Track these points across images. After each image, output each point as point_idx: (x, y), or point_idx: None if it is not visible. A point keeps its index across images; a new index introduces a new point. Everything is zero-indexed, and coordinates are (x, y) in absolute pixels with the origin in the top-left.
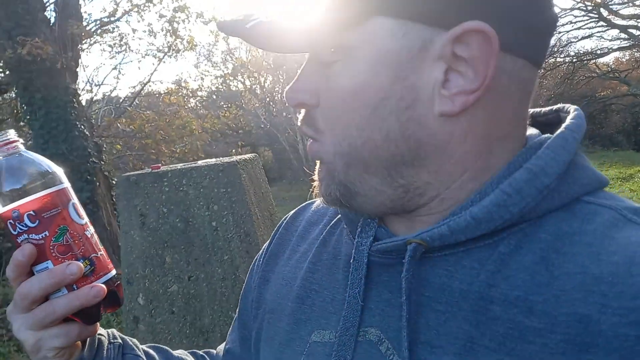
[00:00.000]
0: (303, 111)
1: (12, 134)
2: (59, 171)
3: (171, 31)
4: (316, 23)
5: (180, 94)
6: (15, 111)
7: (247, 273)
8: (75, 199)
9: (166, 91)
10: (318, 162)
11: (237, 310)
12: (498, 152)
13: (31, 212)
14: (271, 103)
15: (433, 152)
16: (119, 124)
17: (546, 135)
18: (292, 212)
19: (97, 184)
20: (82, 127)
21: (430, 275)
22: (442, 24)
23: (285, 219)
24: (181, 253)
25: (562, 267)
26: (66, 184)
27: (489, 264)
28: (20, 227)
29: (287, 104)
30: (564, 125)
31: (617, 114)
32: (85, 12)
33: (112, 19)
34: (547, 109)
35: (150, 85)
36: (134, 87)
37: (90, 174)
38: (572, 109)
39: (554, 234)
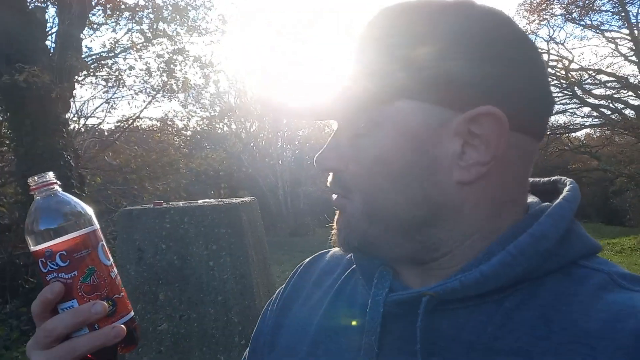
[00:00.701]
0: (328, 174)
1: (50, 175)
2: (91, 212)
3: (167, 72)
4: (350, 100)
5: (165, 131)
6: None
7: (259, 317)
8: (103, 241)
9: (151, 128)
10: (338, 212)
11: (247, 351)
12: (505, 216)
13: (63, 252)
14: (255, 148)
15: (450, 214)
16: (106, 157)
17: (546, 203)
18: (307, 260)
19: None
20: (68, 157)
21: (442, 326)
22: (459, 107)
23: (300, 267)
24: (175, 291)
25: (558, 323)
26: (97, 225)
27: (496, 318)
28: (51, 265)
29: (317, 169)
30: (561, 197)
31: (588, 187)
32: (86, 45)
33: (111, 54)
34: (546, 179)
35: (138, 121)
36: (122, 121)
37: None
38: (568, 181)
39: (553, 294)
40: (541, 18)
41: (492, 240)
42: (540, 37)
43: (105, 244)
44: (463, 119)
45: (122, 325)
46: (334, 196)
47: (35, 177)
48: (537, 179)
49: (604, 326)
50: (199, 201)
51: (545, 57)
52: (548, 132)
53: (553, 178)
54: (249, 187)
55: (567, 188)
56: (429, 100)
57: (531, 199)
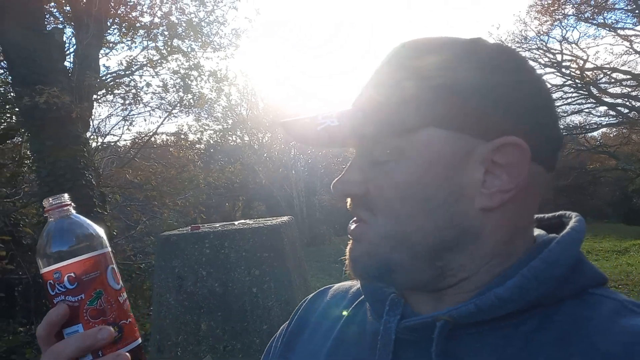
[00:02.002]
0: (350, 198)
1: (65, 197)
2: (103, 235)
3: (184, 87)
4: (375, 125)
5: (179, 145)
6: (17, 157)
7: (263, 354)
8: (114, 264)
9: (166, 143)
10: (352, 242)
11: None
12: (519, 243)
13: (72, 274)
14: (268, 158)
15: (470, 240)
16: (127, 175)
17: (552, 235)
18: (311, 295)
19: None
20: (89, 176)
21: (457, 351)
22: (484, 136)
23: (304, 302)
24: (217, 320)
25: (577, 345)
26: (108, 248)
27: (515, 341)
28: (59, 288)
29: (334, 193)
30: (569, 227)
31: (606, 187)
32: (103, 64)
33: (128, 72)
34: (551, 215)
35: (155, 137)
36: (139, 138)
37: None
38: (573, 214)
39: (569, 318)
40: (553, 19)
41: (506, 266)
42: (552, 38)
43: (115, 267)
44: (488, 148)
45: (127, 354)
46: (352, 226)
47: (50, 199)
48: (542, 215)
49: (625, 349)
50: (236, 223)
51: (558, 57)
52: (564, 133)
53: (558, 213)
54: (264, 199)
55: (573, 220)
56: (456, 128)
57: (538, 231)
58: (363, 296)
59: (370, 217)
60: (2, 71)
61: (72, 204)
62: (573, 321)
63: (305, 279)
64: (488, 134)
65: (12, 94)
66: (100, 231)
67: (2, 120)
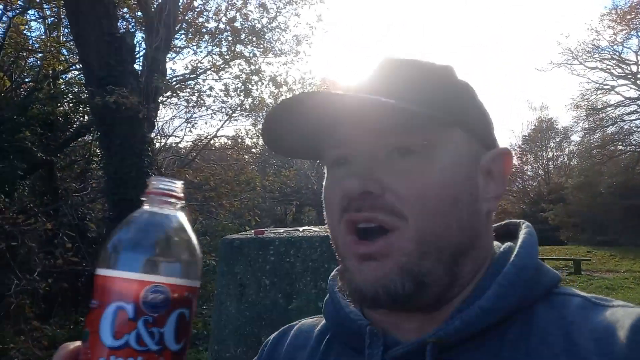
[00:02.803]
0: (365, 202)
1: (178, 186)
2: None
3: (245, 91)
4: (411, 116)
5: (236, 148)
6: (87, 154)
7: None
8: (194, 306)
9: (224, 146)
10: (369, 262)
11: None
12: (491, 252)
13: (161, 296)
14: (320, 165)
15: (476, 242)
16: (187, 175)
17: (508, 243)
18: (272, 336)
19: None
20: (153, 174)
21: None
22: (487, 146)
23: (266, 344)
24: None
25: (559, 345)
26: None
27: (504, 350)
28: (136, 307)
29: (349, 191)
30: (524, 232)
31: None
32: (170, 67)
33: (192, 75)
34: (497, 224)
35: (214, 140)
36: (199, 140)
37: None
38: (519, 221)
39: (546, 320)
40: (630, 27)
41: (483, 273)
42: (627, 48)
43: (190, 314)
44: (489, 156)
45: None
46: (373, 241)
47: (158, 180)
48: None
49: (599, 344)
50: (300, 229)
51: (634, 68)
52: (637, 149)
53: (504, 222)
54: (316, 204)
55: (524, 226)
56: (473, 134)
57: (494, 242)
58: (329, 334)
59: (399, 221)
60: (77, 72)
61: (184, 197)
62: (550, 322)
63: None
64: (489, 144)
65: (85, 94)
66: (200, 253)
67: (75, 119)
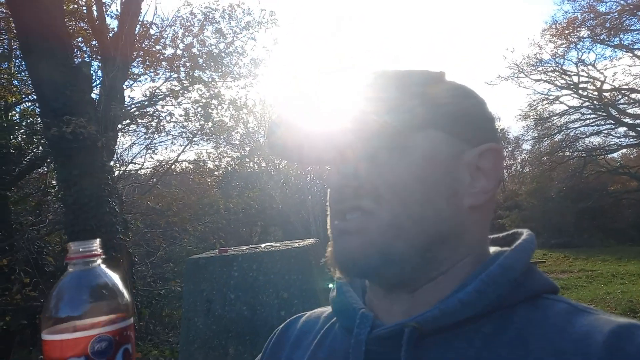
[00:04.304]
0: (346, 188)
1: (94, 245)
2: (129, 299)
3: (205, 116)
4: (385, 123)
5: (197, 172)
6: (42, 186)
7: None
8: (132, 342)
9: (185, 170)
10: (341, 237)
11: None
12: (485, 247)
13: (81, 353)
14: (284, 184)
15: (457, 234)
16: (149, 202)
17: (505, 248)
18: (282, 325)
19: (121, 261)
20: (113, 203)
21: (425, 357)
22: (472, 143)
23: (276, 332)
24: (246, 344)
25: (534, 343)
26: (131, 319)
27: (476, 342)
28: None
29: (331, 178)
30: (521, 239)
31: (629, 209)
32: (128, 95)
33: (151, 102)
34: (505, 233)
35: (175, 165)
36: (160, 165)
37: (115, 250)
38: (525, 231)
39: (525, 319)
40: (568, 41)
41: (474, 268)
42: (568, 60)
43: (132, 347)
44: (475, 152)
45: None
46: (352, 216)
47: (77, 244)
48: (497, 234)
49: (577, 345)
50: (262, 245)
51: (575, 79)
52: (583, 155)
53: (512, 231)
54: (281, 224)
55: (525, 234)
56: (452, 133)
57: (494, 248)
58: (334, 319)
59: (375, 206)
60: (30, 104)
61: (102, 253)
62: (529, 321)
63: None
64: (475, 140)
65: (39, 125)
66: (127, 294)
67: (29, 151)
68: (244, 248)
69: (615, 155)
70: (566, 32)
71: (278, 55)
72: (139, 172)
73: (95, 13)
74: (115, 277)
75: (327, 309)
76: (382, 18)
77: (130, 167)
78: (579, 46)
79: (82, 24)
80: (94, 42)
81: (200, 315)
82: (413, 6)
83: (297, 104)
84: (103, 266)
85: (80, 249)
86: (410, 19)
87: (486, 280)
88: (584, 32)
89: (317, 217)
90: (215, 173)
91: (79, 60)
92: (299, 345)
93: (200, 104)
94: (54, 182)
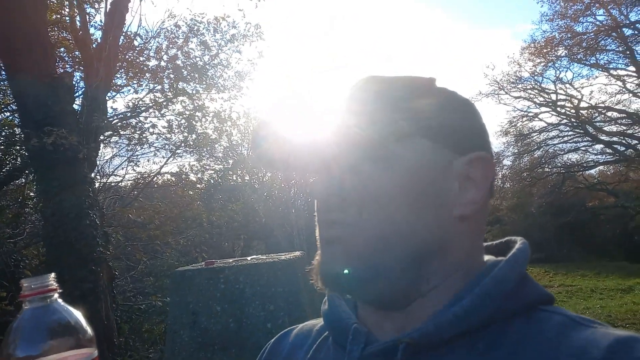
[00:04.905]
0: (327, 203)
1: (49, 280)
2: (92, 333)
3: (188, 128)
4: (370, 133)
5: (179, 185)
6: (20, 198)
7: None
8: None
9: (167, 182)
10: (323, 248)
11: None
12: (477, 259)
13: None
14: (268, 198)
15: (445, 246)
16: (130, 215)
17: (499, 258)
18: (274, 339)
19: (101, 274)
20: (94, 216)
21: None
22: (460, 151)
23: (267, 347)
24: (231, 357)
25: (530, 358)
26: (96, 352)
27: (471, 357)
28: None
29: (313, 192)
30: (515, 248)
31: (607, 225)
32: (111, 106)
33: (134, 114)
34: (498, 241)
35: (157, 177)
36: (141, 178)
37: (95, 264)
38: (518, 239)
39: (520, 334)
40: (547, 60)
41: (466, 281)
42: (546, 78)
43: None
44: (463, 161)
45: None
46: (328, 230)
47: (30, 280)
48: (490, 242)
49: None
50: (249, 258)
51: (553, 97)
52: (562, 171)
53: (505, 239)
54: (264, 237)
55: (519, 243)
56: (439, 142)
57: (487, 257)
58: (326, 332)
59: (360, 217)
60: (9, 114)
61: (58, 287)
62: (524, 336)
63: (318, 314)
64: (464, 149)
65: (18, 136)
66: (89, 327)
67: (7, 162)
68: (230, 260)
69: (592, 171)
70: (544, 50)
71: (268, 59)
72: (120, 184)
73: (78, 23)
74: (75, 312)
75: (320, 322)
76: (376, 17)
77: (111, 179)
78: (556, 65)
79: (65, 34)
80: (77, 53)
81: (185, 327)
82: (406, 5)
83: (283, 113)
84: (60, 301)
85: (33, 285)
86: (404, 17)
87: (480, 294)
88: (561, 51)
89: (301, 231)
90: (198, 186)
91: (61, 70)
92: (291, 359)
93: (184, 116)
94: (32, 193)
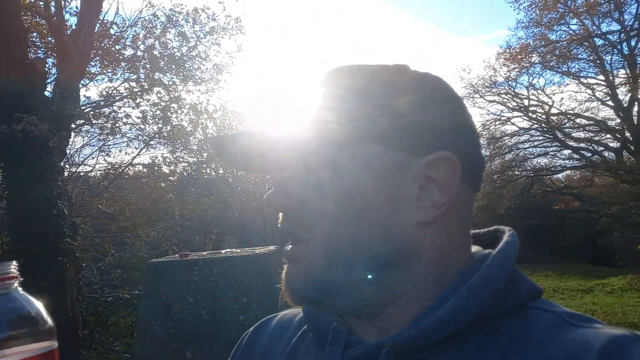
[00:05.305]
0: (282, 215)
1: (10, 267)
2: (52, 323)
3: (163, 119)
4: (313, 142)
5: (152, 176)
6: None
7: None
8: None
9: (139, 174)
10: (286, 265)
11: None
12: (455, 260)
13: None
14: (242, 192)
15: (408, 254)
16: (100, 206)
17: (488, 250)
18: (253, 328)
19: (67, 265)
20: (62, 205)
21: None
22: (417, 153)
23: (245, 335)
24: (204, 348)
25: None
26: (56, 342)
27: None
28: None
29: (267, 206)
30: (503, 242)
31: (572, 228)
32: (84, 95)
33: (108, 102)
34: (485, 230)
35: (129, 168)
36: (112, 168)
37: (62, 254)
38: (506, 229)
39: (509, 335)
40: (521, 66)
41: (444, 284)
42: (520, 84)
43: None
44: (421, 163)
45: None
46: (288, 247)
47: None
48: (478, 231)
49: None
50: (223, 251)
51: (525, 102)
52: (531, 174)
53: (493, 228)
54: (237, 232)
55: (506, 234)
56: (390, 145)
57: (475, 248)
58: (305, 327)
59: (307, 234)
60: None
61: (19, 276)
62: (513, 337)
63: (290, 307)
64: (421, 151)
65: None
66: (49, 318)
67: None
68: (204, 253)
69: (560, 176)
70: (519, 57)
71: (249, 52)
72: (90, 174)
73: (53, 9)
74: (36, 302)
75: (301, 311)
76: (358, 11)
77: (80, 168)
78: (530, 71)
79: (39, 19)
80: (50, 39)
81: (158, 319)
82: (392, 11)
83: (264, 107)
84: (20, 290)
85: None
86: (386, 12)
87: (467, 294)
88: (535, 58)
89: (274, 227)
90: (171, 178)
91: (34, 56)
92: (269, 352)
93: (160, 107)
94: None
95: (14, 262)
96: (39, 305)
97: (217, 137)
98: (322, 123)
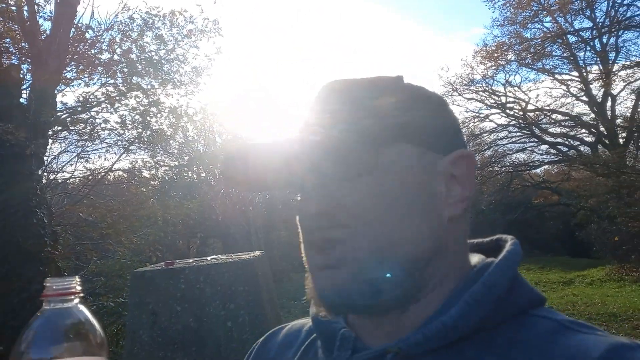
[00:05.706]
0: (316, 221)
1: (74, 282)
2: (104, 340)
3: (143, 124)
4: (349, 143)
5: (133, 181)
6: None
7: None
8: None
9: (119, 179)
10: (321, 272)
11: None
12: (466, 261)
13: None
14: (225, 195)
15: (441, 249)
16: (80, 214)
17: (490, 258)
18: (262, 338)
19: (49, 275)
20: (42, 214)
21: None
22: (442, 151)
23: (255, 346)
24: (191, 355)
25: None
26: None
27: None
28: None
29: (306, 214)
30: (506, 250)
31: (551, 221)
32: (60, 101)
33: (85, 107)
34: (488, 239)
35: (109, 174)
36: (91, 174)
37: (43, 264)
38: (509, 238)
39: (508, 341)
40: (497, 64)
41: (458, 283)
42: (497, 81)
43: None
44: (447, 161)
45: None
46: (318, 255)
47: (53, 281)
48: (481, 239)
49: None
50: (208, 258)
51: (503, 99)
52: (510, 170)
53: (496, 237)
54: (221, 236)
55: (509, 243)
56: (421, 145)
57: (478, 256)
58: (315, 334)
59: (348, 233)
60: None
61: (81, 291)
62: (512, 343)
63: (277, 312)
64: (445, 149)
65: None
66: (102, 332)
67: None
68: (191, 261)
69: (538, 170)
70: (495, 55)
71: (230, 52)
72: (69, 181)
73: (26, 14)
74: (92, 317)
75: (308, 322)
76: (340, 9)
77: (59, 175)
78: (506, 68)
79: (11, 25)
80: (24, 44)
81: (145, 327)
82: (374, 8)
83: (246, 106)
84: (81, 305)
85: (55, 286)
86: (370, 11)
87: (469, 301)
88: (511, 56)
89: (259, 229)
90: (152, 183)
91: (8, 62)
92: (281, 359)
93: (138, 111)
94: None
95: (77, 277)
96: (94, 320)
97: (227, 160)
98: (355, 125)
